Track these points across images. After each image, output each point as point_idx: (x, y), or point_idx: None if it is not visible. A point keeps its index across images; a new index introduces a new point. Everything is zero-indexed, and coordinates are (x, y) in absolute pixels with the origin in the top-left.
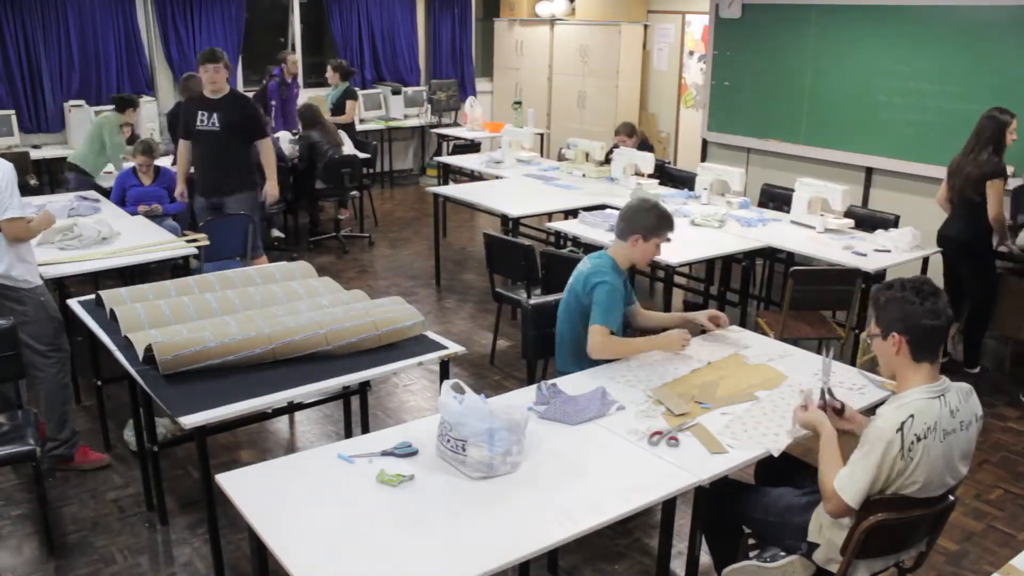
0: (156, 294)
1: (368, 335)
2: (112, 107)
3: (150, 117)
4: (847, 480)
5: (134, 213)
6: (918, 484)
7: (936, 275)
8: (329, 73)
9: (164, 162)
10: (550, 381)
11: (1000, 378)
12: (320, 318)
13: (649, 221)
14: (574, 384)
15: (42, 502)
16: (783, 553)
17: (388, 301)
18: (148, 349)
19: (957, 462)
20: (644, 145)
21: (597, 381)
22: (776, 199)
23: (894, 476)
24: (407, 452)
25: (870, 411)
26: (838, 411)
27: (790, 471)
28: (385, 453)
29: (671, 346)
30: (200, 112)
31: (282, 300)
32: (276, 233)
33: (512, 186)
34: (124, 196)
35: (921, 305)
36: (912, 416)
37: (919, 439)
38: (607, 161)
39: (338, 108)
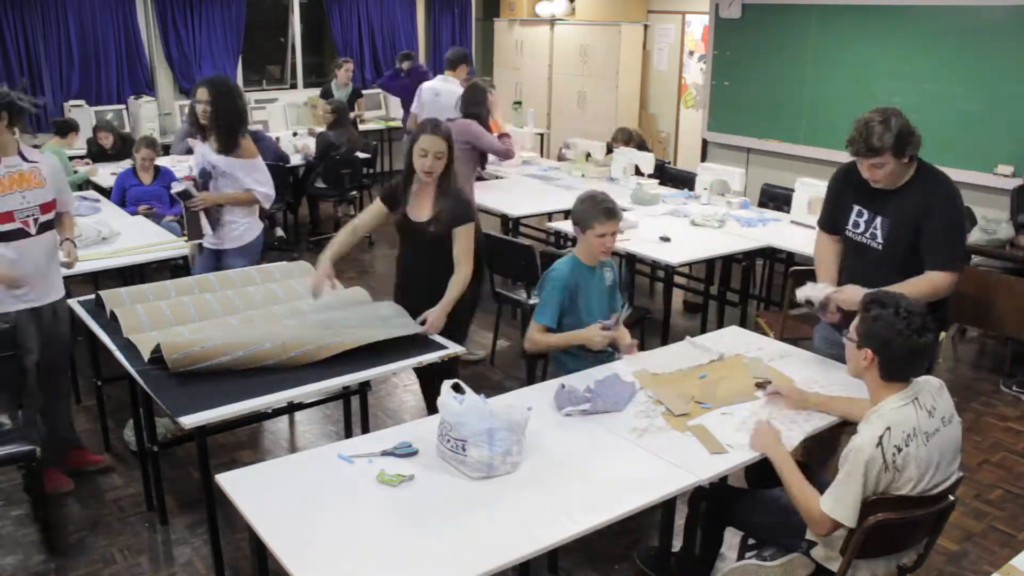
0: (156, 295)
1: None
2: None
3: (149, 117)
4: (835, 503)
5: (134, 213)
6: (912, 483)
7: None
8: (342, 72)
9: (162, 161)
10: (560, 381)
11: (1001, 378)
12: (328, 331)
13: (579, 212)
14: (581, 380)
15: (42, 502)
16: (781, 552)
17: (391, 311)
18: (156, 350)
19: (950, 459)
20: (641, 148)
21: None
22: (776, 199)
23: (883, 487)
24: (407, 452)
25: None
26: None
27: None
28: (385, 453)
29: (588, 339)
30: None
31: (283, 299)
32: (279, 233)
33: (512, 186)
34: (124, 196)
35: (908, 338)
36: (888, 428)
37: (900, 449)
38: (609, 151)
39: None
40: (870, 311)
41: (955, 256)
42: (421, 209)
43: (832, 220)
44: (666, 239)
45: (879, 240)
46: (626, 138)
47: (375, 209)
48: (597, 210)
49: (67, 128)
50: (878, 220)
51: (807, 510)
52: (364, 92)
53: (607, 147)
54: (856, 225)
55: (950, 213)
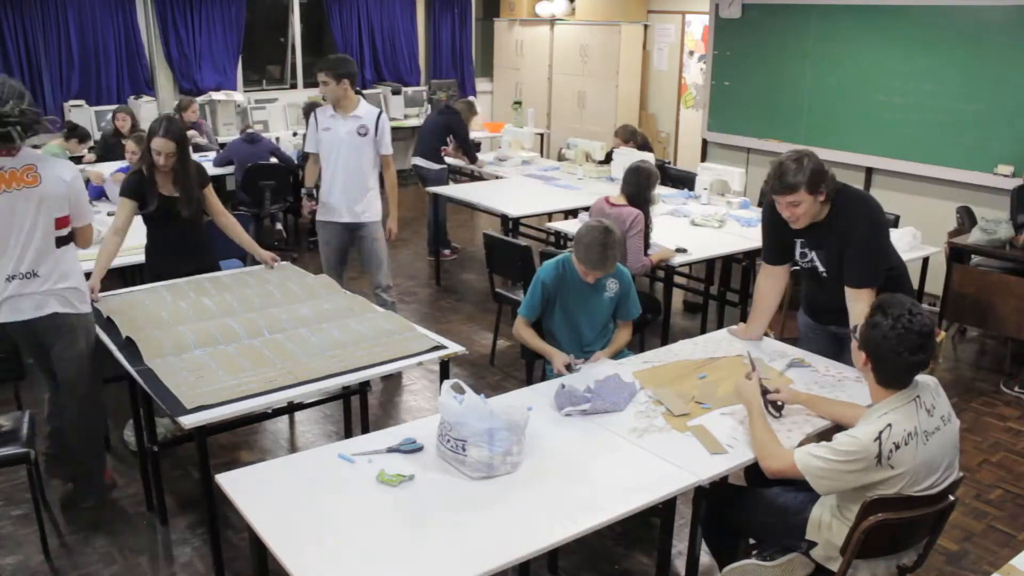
0: (154, 300)
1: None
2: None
3: (150, 117)
4: (808, 457)
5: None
6: (906, 481)
7: (937, 275)
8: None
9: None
10: (560, 381)
11: (1000, 378)
12: (335, 359)
13: (576, 240)
14: (581, 380)
15: (42, 502)
16: (781, 551)
17: (393, 324)
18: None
19: (950, 457)
20: (644, 148)
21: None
22: None
23: (867, 482)
24: (412, 448)
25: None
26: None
27: None
28: (391, 450)
29: (552, 360)
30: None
31: (280, 302)
32: (278, 227)
33: (512, 186)
34: None
35: (899, 355)
36: (890, 426)
37: (898, 447)
38: (608, 160)
39: None
40: (874, 316)
41: (872, 277)
42: (168, 187)
43: (774, 254)
44: (683, 250)
45: (822, 270)
46: (627, 136)
47: (128, 206)
48: (582, 254)
49: (74, 135)
50: (814, 254)
51: (764, 449)
52: (364, 92)
53: (608, 154)
54: (803, 256)
55: (865, 237)
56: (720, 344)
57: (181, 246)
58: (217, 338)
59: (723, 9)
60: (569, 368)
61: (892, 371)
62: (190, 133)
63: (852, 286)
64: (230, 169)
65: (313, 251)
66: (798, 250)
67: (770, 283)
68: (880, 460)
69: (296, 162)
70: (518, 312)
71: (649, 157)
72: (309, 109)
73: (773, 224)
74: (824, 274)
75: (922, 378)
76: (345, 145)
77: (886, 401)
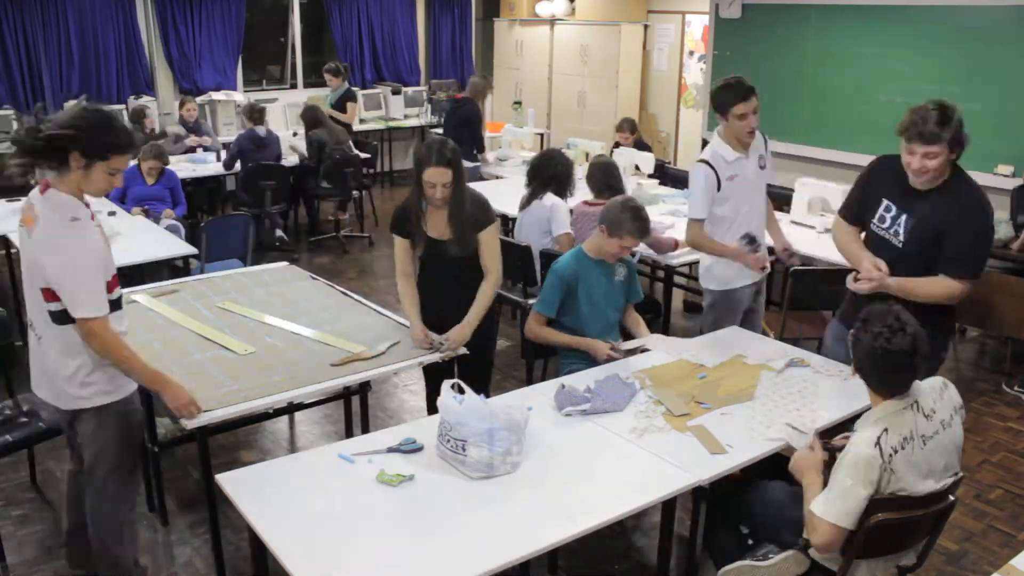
0: (150, 303)
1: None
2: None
3: (150, 117)
4: (827, 503)
5: (132, 211)
6: (912, 487)
7: None
8: (329, 78)
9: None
10: (560, 381)
11: (1001, 378)
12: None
13: (613, 217)
14: (581, 380)
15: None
16: (777, 550)
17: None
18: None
19: (951, 456)
20: (640, 144)
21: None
22: (776, 199)
23: (884, 487)
24: (413, 448)
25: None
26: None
27: (780, 466)
28: (391, 449)
29: (594, 350)
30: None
31: (280, 305)
32: (279, 233)
33: (512, 186)
34: (124, 193)
35: (879, 368)
36: (886, 430)
37: (896, 451)
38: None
39: (337, 109)
40: (857, 329)
41: (977, 268)
42: (440, 227)
43: (855, 211)
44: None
45: (900, 238)
46: (632, 127)
47: (401, 245)
48: (632, 225)
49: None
50: (903, 217)
51: (809, 526)
52: (364, 92)
53: (614, 144)
54: (882, 220)
55: (982, 223)
56: (719, 344)
57: (452, 290)
58: (216, 343)
59: (723, 9)
60: (615, 351)
61: (877, 385)
62: (190, 139)
63: (954, 275)
64: (235, 167)
65: (313, 251)
66: (879, 211)
67: (853, 233)
68: (884, 464)
69: (306, 158)
70: (534, 310)
71: (649, 156)
72: (308, 111)
73: (870, 177)
74: (900, 244)
75: (928, 381)
76: None
77: (882, 406)
